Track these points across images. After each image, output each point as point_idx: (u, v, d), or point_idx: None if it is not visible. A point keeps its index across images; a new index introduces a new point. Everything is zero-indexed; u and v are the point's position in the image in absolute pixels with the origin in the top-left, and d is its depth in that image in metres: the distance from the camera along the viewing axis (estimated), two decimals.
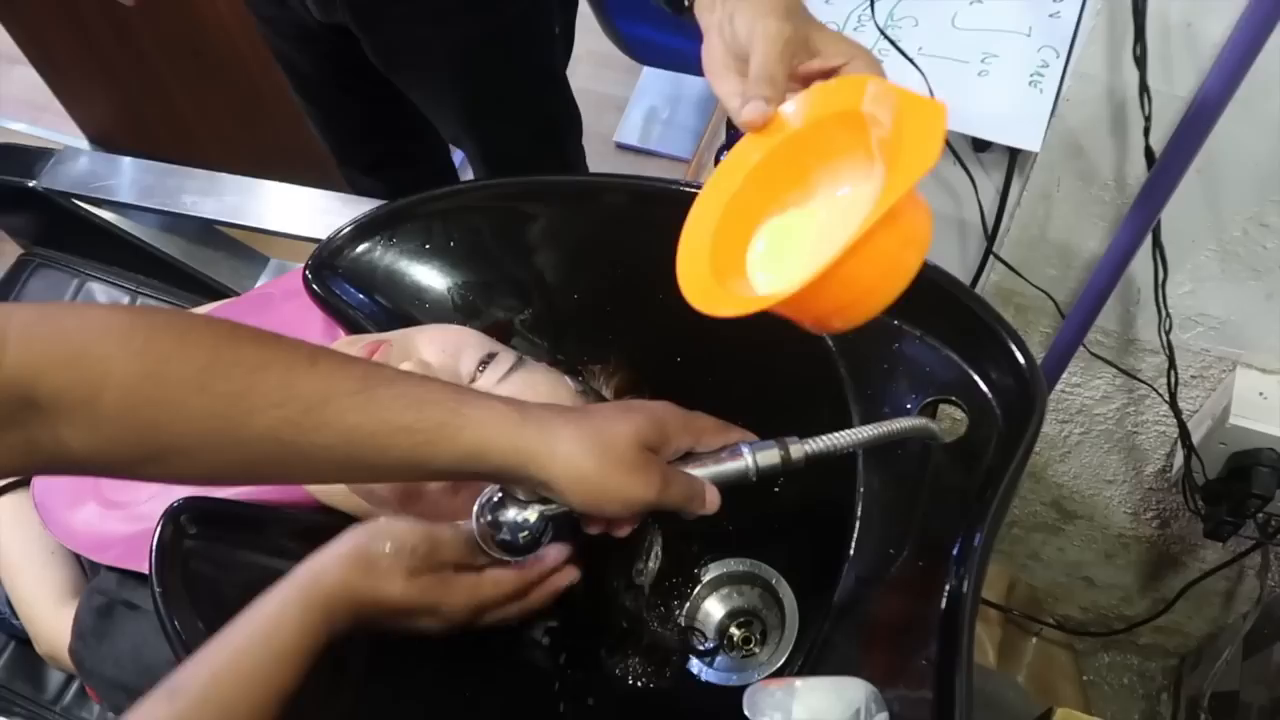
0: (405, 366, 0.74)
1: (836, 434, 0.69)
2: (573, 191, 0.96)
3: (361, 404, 0.56)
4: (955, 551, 0.71)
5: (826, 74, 0.62)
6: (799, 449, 0.67)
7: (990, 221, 1.06)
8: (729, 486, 0.68)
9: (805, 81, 0.63)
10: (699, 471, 0.67)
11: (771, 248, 0.62)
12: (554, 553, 0.73)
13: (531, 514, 0.65)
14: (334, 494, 0.83)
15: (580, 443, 0.60)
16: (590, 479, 0.60)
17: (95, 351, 0.51)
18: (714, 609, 0.88)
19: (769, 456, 0.67)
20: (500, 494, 0.66)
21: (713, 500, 0.66)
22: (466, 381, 0.78)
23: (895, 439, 0.71)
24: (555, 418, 0.61)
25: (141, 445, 0.52)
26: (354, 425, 0.56)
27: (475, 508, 0.67)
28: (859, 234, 0.51)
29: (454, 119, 1.38)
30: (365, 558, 0.66)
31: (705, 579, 0.88)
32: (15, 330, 0.49)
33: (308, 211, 1.23)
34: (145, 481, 0.56)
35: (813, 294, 0.53)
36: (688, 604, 0.88)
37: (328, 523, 0.84)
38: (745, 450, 0.67)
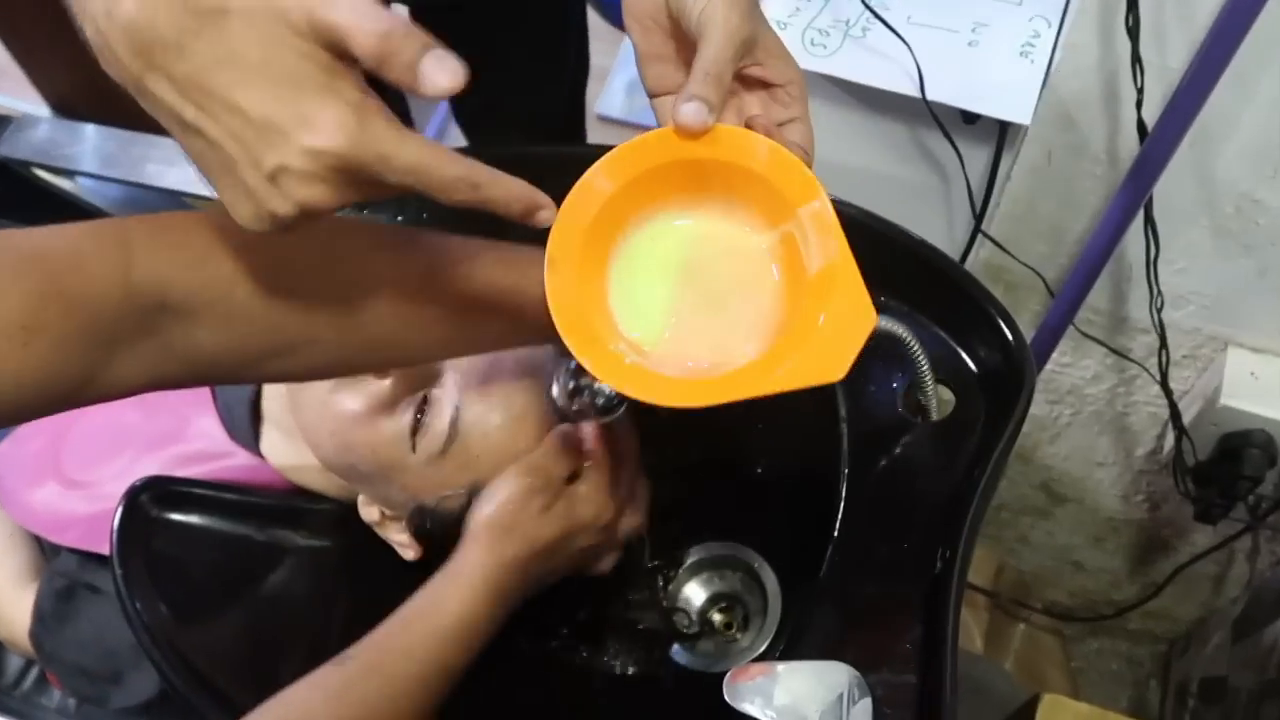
0: None
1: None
2: (552, 162, 0.95)
3: (467, 273, 0.60)
4: (941, 534, 0.72)
5: (763, 85, 0.60)
6: None
7: (979, 197, 1.06)
8: None
9: (741, 82, 0.61)
10: None
11: (635, 274, 0.59)
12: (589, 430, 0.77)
13: None
14: (306, 474, 0.83)
15: None
16: None
17: (221, 250, 0.53)
18: (695, 594, 0.88)
19: None
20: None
21: None
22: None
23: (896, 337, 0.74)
24: None
25: (274, 337, 0.55)
26: (462, 293, 0.60)
27: (558, 376, 0.75)
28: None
29: (498, 75, 1.38)
30: (500, 524, 0.72)
31: (686, 563, 0.89)
32: (140, 237, 0.51)
33: None
34: (273, 381, 0.58)
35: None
36: (669, 588, 0.88)
37: (298, 504, 0.84)
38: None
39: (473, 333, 0.63)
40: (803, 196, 0.56)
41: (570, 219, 0.55)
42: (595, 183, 0.56)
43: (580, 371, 0.73)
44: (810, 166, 0.58)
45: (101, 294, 0.49)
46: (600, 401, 0.74)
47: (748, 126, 0.58)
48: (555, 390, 0.77)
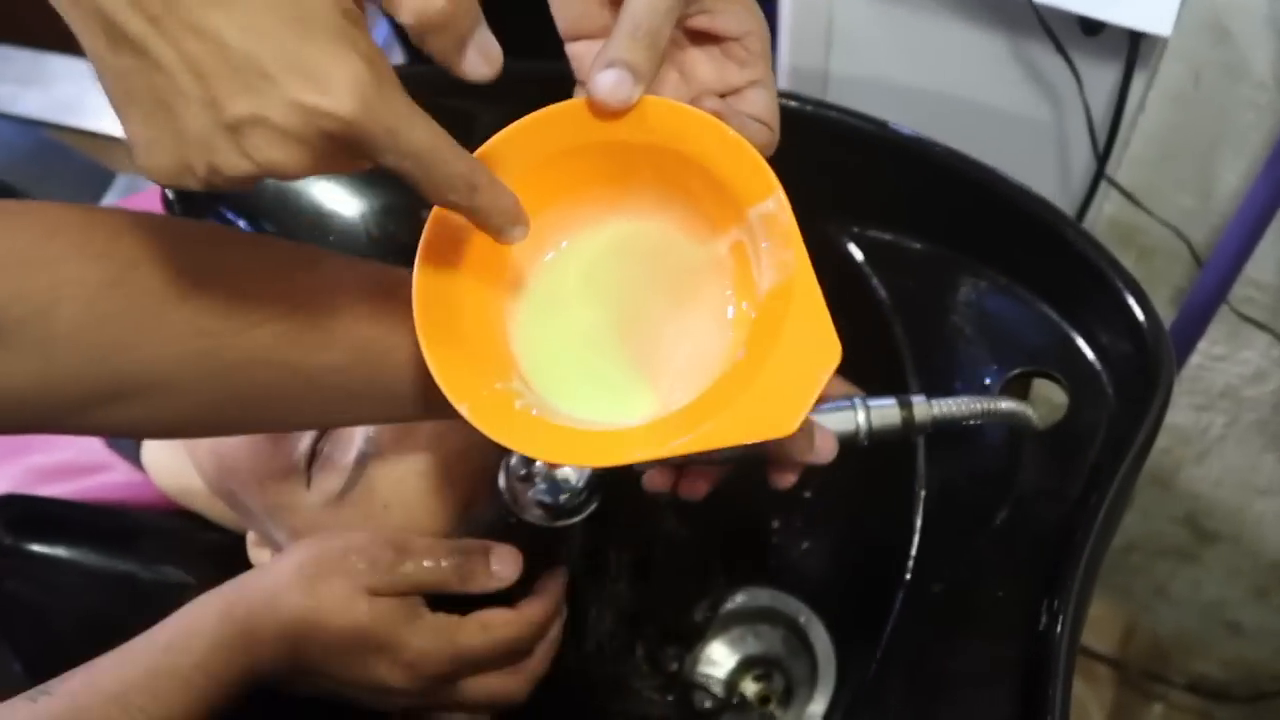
0: None
1: (965, 399, 0.71)
2: (547, 80, 0.96)
3: (375, 312, 0.59)
4: (1047, 579, 0.72)
5: (710, 38, 0.60)
6: (925, 409, 0.69)
7: (1102, 132, 1.06)
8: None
9: (685, 34, 0.60)
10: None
11: (541, 298, 0.61)
12: (553, 587, 0.75)
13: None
14: (195, 498, 0.84)
15: None
16: None
17: (45, 254, 0.52)
18: (721, 657, 0.89)
19: (887, 415, 0.68)
20: None
21: (827, 447, 0.66)
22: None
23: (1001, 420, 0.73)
24: None
25: (106, 375, 0.54)
26: (370, 339, 0.59)
27: (509, 460, 0.71)
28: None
29: None
30: (310, 570, 0.68)
31: (710, 617, 0.89)
32: None
33: None
34: (104, 434, 0.57)
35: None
36: (687, 652, 0.88)
37: (185, 529, 0.84)
38: (856, 403, 0.68)
39: (378, 393, 0.61)
40: (753, 193, 0.56)
41: (444, 226, 0.55)
42: None
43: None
44: (771, 146, 0.58)
45: None
46: (564, 500, 0.71)
47: (694, 101, 0.58)
48: (502, 479, 0.76)
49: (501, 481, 0.74)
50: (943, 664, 0.77)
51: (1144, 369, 0.76)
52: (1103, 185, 1.11)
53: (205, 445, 0.77)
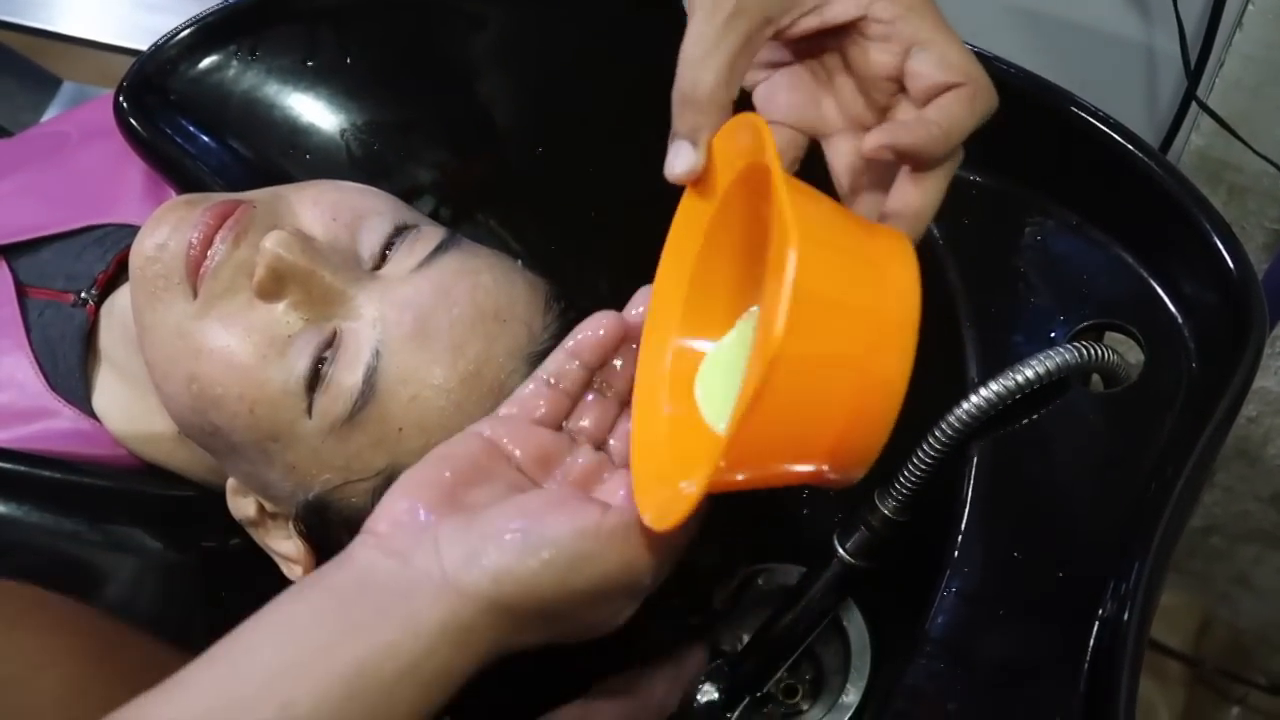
0: (271, 240, 0.74)
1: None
2: None
3: None
4: (1113, 559, 0.72)
5: (841, 33, 0.61)
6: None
7: (1194, 47, 1.06)
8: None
9: (799, 51, 0.63)
10: None
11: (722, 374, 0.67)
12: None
13: None
14: (158, 444, 0.84)
15: None
16: None
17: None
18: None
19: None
20: None
21: None
22: (369, 266, 0.78)
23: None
24: None
25: None
26: None
27: None
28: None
29: None
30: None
31: (729, 599, 0.89)
32: None
33: (122, 5, 1.23)
34: None
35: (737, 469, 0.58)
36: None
37: (148, 489, 0.85)
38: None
39: None
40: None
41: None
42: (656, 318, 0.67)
43: None
44: (984, 102, 0.62)
45: None
46: None
47: (888, 112, 0.63)
48: None
49: None
50: (992, 652, 0.77)
51: (1231, 324, 0.76)
52: (1192, 113, 1.10)
53: (181, 372, 0.77)
